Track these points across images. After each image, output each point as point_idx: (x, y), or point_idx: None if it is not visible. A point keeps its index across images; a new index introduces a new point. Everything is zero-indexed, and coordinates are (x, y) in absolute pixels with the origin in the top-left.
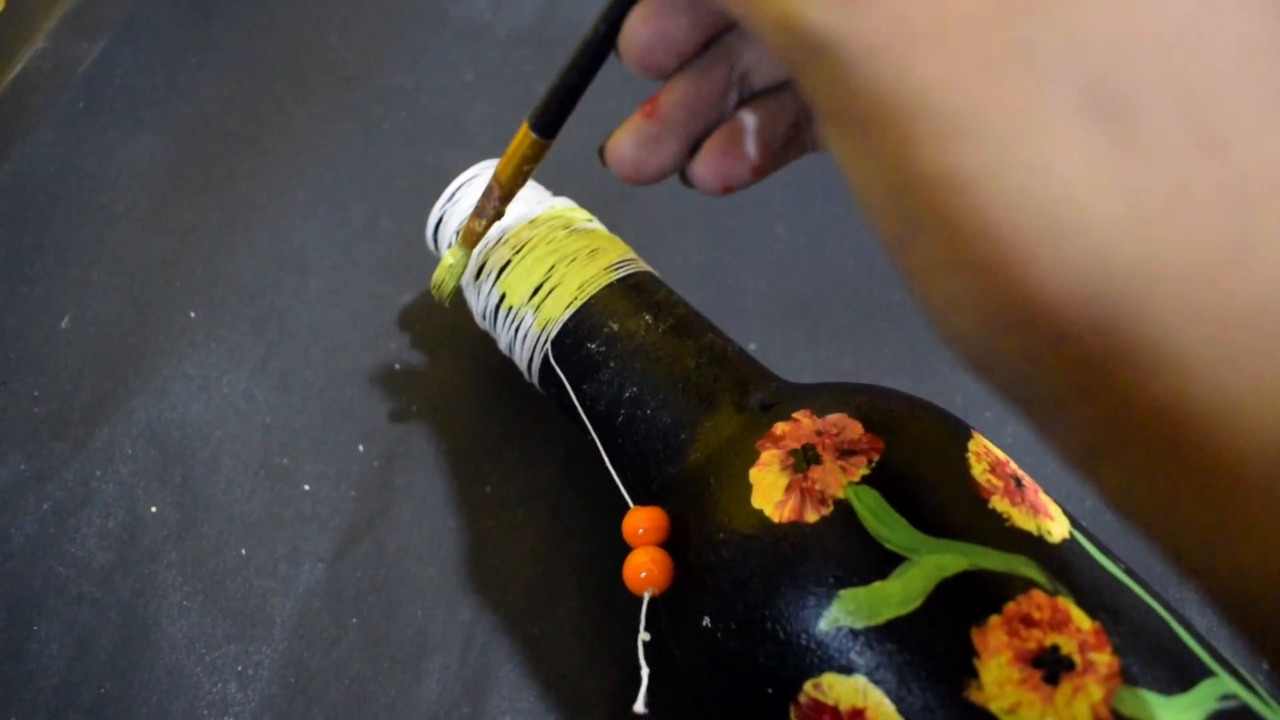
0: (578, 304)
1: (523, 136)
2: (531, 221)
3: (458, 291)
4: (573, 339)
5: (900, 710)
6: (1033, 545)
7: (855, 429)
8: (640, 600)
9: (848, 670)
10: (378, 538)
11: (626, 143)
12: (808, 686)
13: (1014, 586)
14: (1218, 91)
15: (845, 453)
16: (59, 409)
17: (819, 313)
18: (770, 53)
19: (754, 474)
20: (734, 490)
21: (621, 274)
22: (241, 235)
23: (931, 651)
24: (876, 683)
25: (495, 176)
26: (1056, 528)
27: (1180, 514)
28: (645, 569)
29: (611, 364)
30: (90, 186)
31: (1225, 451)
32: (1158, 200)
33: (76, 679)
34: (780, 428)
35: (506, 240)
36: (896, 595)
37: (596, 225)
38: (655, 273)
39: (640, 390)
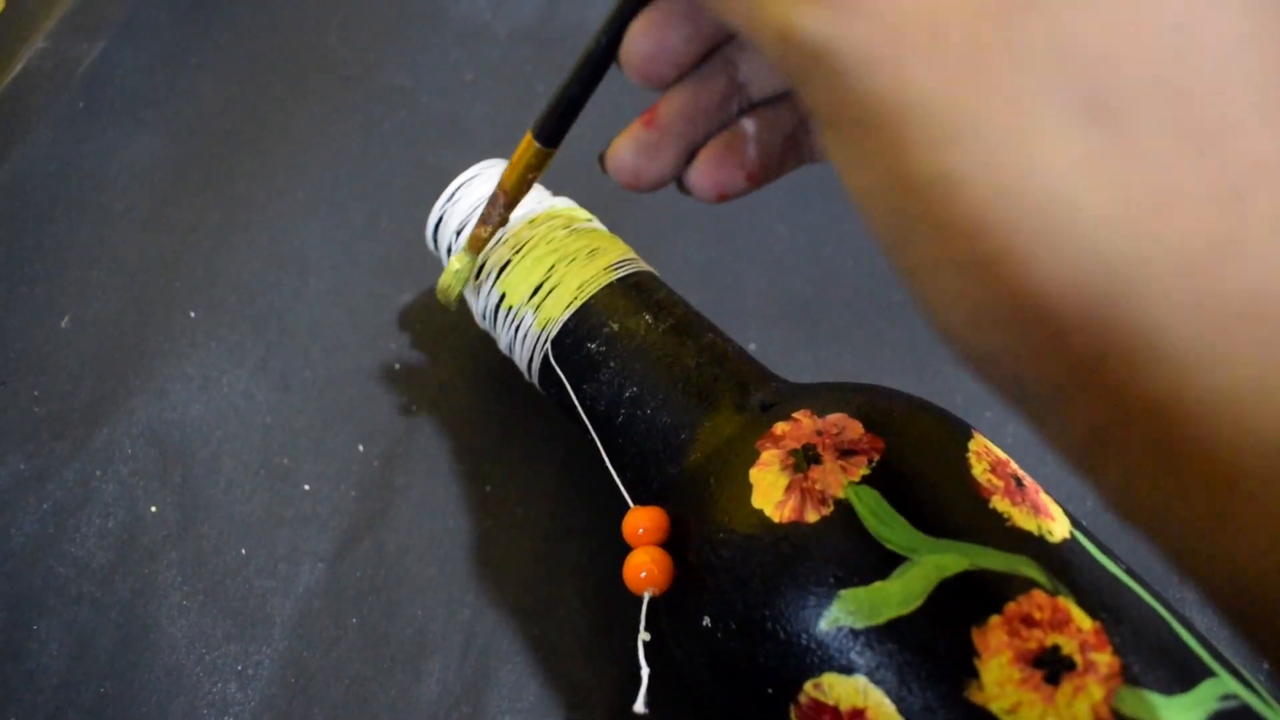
0: (578, 304)
1: (526, 145)
2: (531, 221)
3: (461, 295)
4: (573, 339)
5: (901, 710)
6: (1033, 545)
7: (855, 429)
8: (640, 600)
9: (848, 670)
10: (378, 537)
11: (626, 150)
12: (808, 686)
13: (1015, 586)
14: (1206, 90)
15: (845, 452)
16: (59, 409)
17: (819, 312)
18: (770, 63)
19: (754, 474)
20: (734, 490)
21: (621, 274)
22: (241, 235)
23: (932, 651)
24: (877, 683)
25: (500, 184)
26: (1057, 527)
27: (1178, 510)
28: (645, 569)
29: (611, 364)
30: (90, 186)
31: (1221, 446)
32: (1148, 198)
33: (76, 679)
34: (780, 427)
35: (506, 240)
36: (897, 595)
37: (596, 225)
38: (655, 272)
39: (640, 390)
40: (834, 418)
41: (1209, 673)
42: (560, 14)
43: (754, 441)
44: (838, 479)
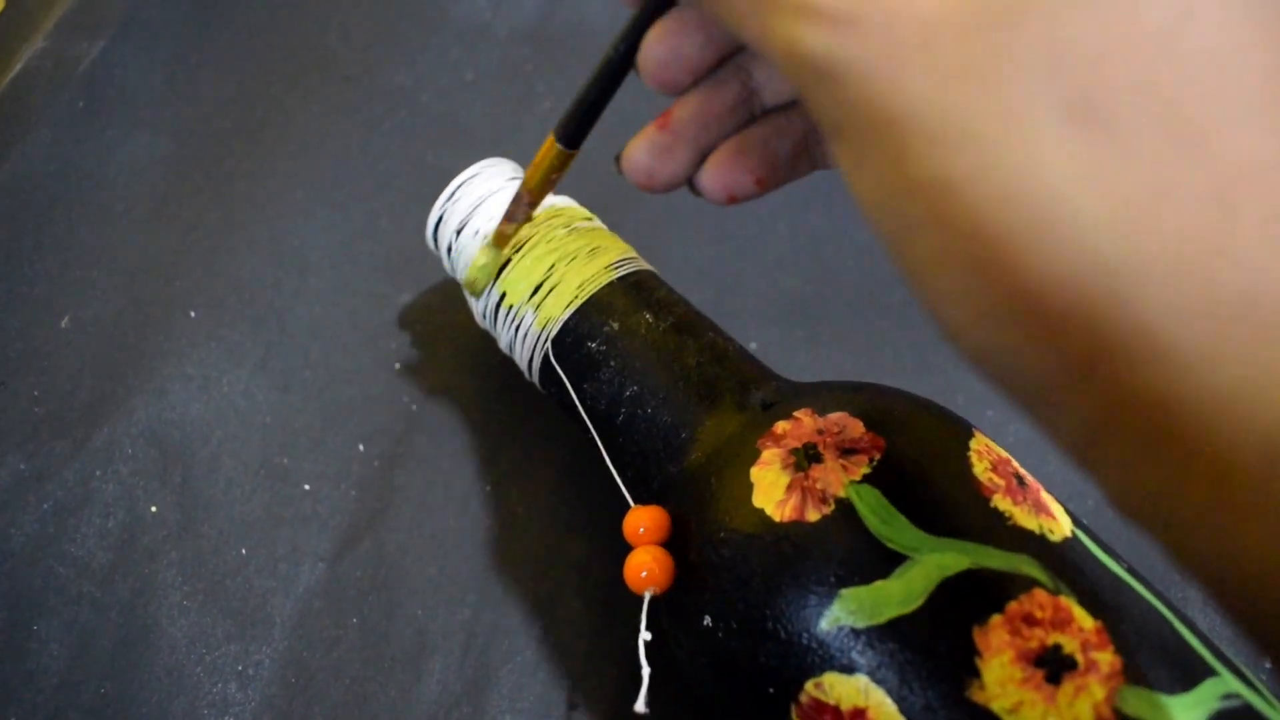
0: (578, 303)
1: (549, 147)
2: (531, 220)
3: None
4: (573, 338)
5: (902, 710)
6: (1035, 544)
7: (856, 427)
8: (641, 599)
9: (849, 670)
10: (378, 537)
11: (640, 152)
12: (809, 686)
13: (1016, 585)
14: (1195, 93)
15: (846, 451)
16: (59, 408)
17: (820, 312)
18: (779, 73)
19: (755, 473)
20: (735, 489)
21: (622, 273)
22: (241, 235)
23: (933, 651)
24: (878, 682)
25: (524, 184)
26: (1059, 526)
27: (1175, 506)
28: (646, 568)
29: (612, 363)
30: (90, 186)
31: (1216, 443)
32: (1139, 198)
33: (76, 679)
34: (781, 426)
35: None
36: (898, 594)
37: (597, 224)
38: (656, 271)
39: (641, 389)
40: (835, 416)
41: (1211, 672)
42: (560, 14)
43: (755, 440)
44: (839, 478)
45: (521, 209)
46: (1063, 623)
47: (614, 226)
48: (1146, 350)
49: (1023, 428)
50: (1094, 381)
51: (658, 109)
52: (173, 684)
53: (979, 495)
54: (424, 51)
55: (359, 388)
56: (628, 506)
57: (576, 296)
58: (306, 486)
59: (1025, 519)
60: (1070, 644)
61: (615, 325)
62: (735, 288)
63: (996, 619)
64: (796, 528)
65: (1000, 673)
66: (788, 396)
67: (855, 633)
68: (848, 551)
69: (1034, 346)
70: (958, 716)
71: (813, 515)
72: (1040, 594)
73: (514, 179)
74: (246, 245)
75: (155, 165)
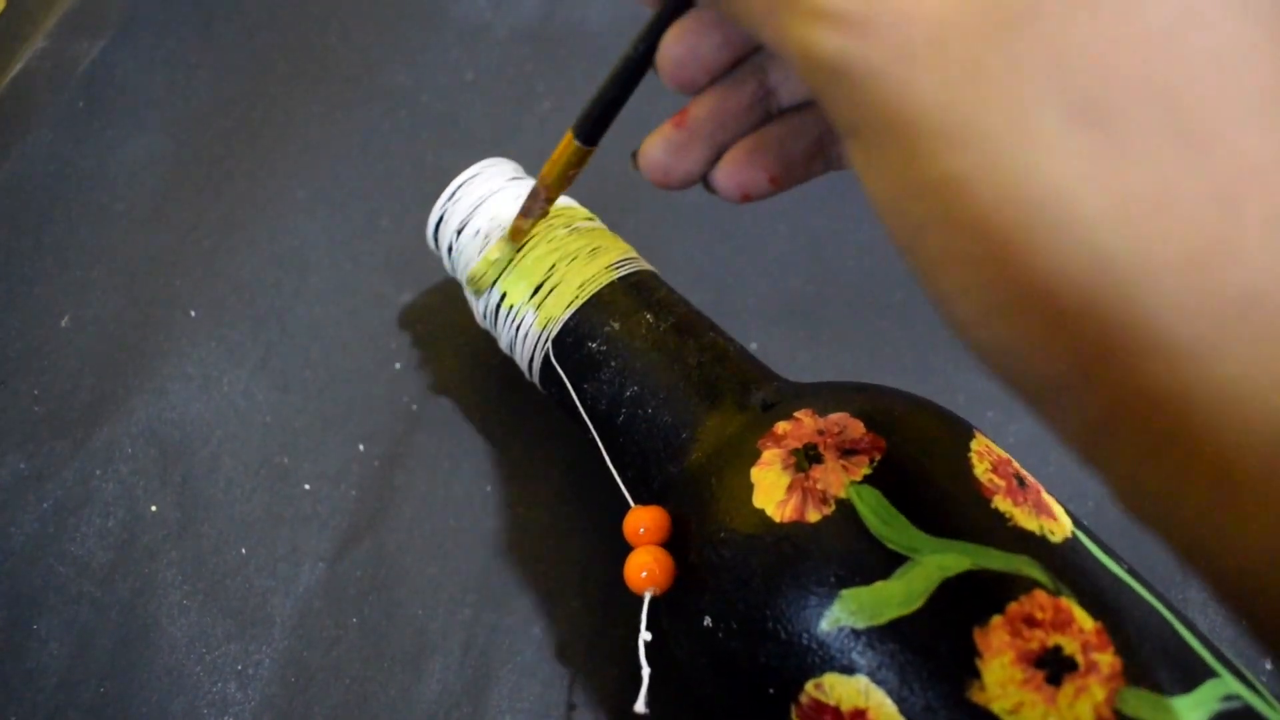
0: (579, 303)
1: (567, 143)
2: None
3: (492, 284)
4: (574, 338)
5: (902, 710)
6: (1035, 545)
7: (857, 428)
8: (641, 600)
9: (849, 670)
10: (378, 537)
11: (657, 149)
12: (809, 687)
13: (1016, 586)
14: (1199, 95)
15: (847, 452)
16: (59, 408)
17: (820, 312)
18: (795, 74)
19: (755, 473)
20: (735, 489)
21: (622, 273)
22: (241, 234)
23: (933, 652)
24: (878, 683)
25: (541, 179)
26: (1059, 527)
27: (1180, 503)
28: (646, 568)
29: (612, 363)
30: (90, 186)
31: (1220, 441)
32: (1143, 198)
33: (76, 678)
34: (782, 427)
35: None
36: (898, 595)
37: (597, 224)
38: (656, 272)
39: (641, 389)
40: (835, 417)
41: (1211, 673)
42: (560, 14)
43: (755, 441)
44: (839, 478)
45: (538, 204)
46: (1063, 624)
47: (614, 227)
48: (1150, 348)
49: (1023, 428)
50: (1098, 379)
51: (669, 109)
52: (172, 683)
53: (980, 496)
54: (424, 51)
55: (359, 387)
56: (628, 506)
57: (577, 296)
58: (307, 486)
59: (1026, 520)
60: (1071, 645)
61: (616, 325)
62: (736, 288)
63: (997, 620)
64: (797, 528)
65: (1001, 674)
66: (788, 397)
67: (855, 633)
68: (848, 552)
69: (1039, 343)
70: (958, 717)
71: (813, 516)
72: (1041, 595)
73: (514, 179)
74: (247, 245)
75: (155, 165)
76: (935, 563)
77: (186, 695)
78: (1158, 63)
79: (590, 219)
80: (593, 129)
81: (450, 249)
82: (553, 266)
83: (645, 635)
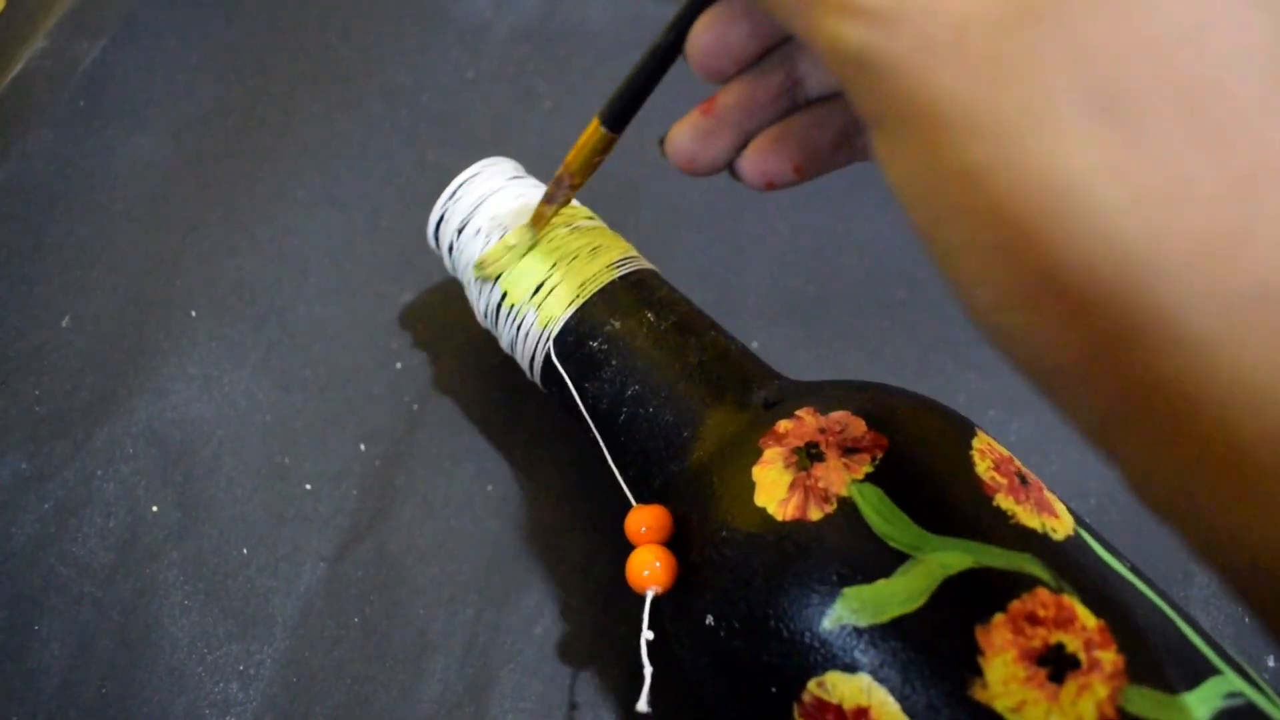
0: (579, 302)
1: (593, 130)
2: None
3: (502, 272)
4: (574, 337)
5: (904, 709)
6: (1037, 543)
7: (859, 426)
8: (643, 599)
9: (852, 669)
10: (379, 537)
11: (684, 136)
12: (811, 685)
13: (1019, 584)
14: (1217, 90)
15: (849, 450)
16: (60, 408)
17: (821, 311)
18: (823, 65)
19: (757, 472)
20: (737, 488)
21: (623, 272)
22: (242, 234)
23: (936, 650)
24: (881, 681)
25: (565, 166)
26: (1061, 525)
27: (1192, 494)
28: (648, 567)
29: (614, 362)
30: (90, 186)
31: (1234, 432)
32: (1160, 189)
33: (77, 679)
34: (783, 425)
35: (507, 239)
36: (901, 593)
37: (598, 223)
38: (657, 270)
39: (642, 388)
40: (837, 415)
41: (1214, 670)
42: (561, 13)
43: (757, 439)
44: (841, 477)
45: (562, 190)
46: (1066, 621)
47: (615, 226)
48: (1165, 338)
49: (1024, 427)
50: (1112, 368)
51: (680, 100)
52: (174, 684)
53: (981, 494)
54: (425, 51)
55: (360, 387)
56: (629, 505)
57: (578, 296)
58: (308, 486)
59: (1028, 518)
60: (1073, 643)
61: (617, 324)
62: (737, 287)
63: (999, 618)
64: (799, 527)
65: (1003, 671)
66: (790, 395)
67: (858, 631)
68: (850, 550)
69: (1055, 331)
70: (961, 715)
71: (815, 514)
72: (1043, 593)
73: (515, 178)
74: (247, 244)
75: (156, 165)
76: (937, 561)
77: (188, 695)
78: (1176, 58)
79: (591, 218)
80: (620, 116)
81: (451, 248)
82: (554, 265)
83: (647, 634)
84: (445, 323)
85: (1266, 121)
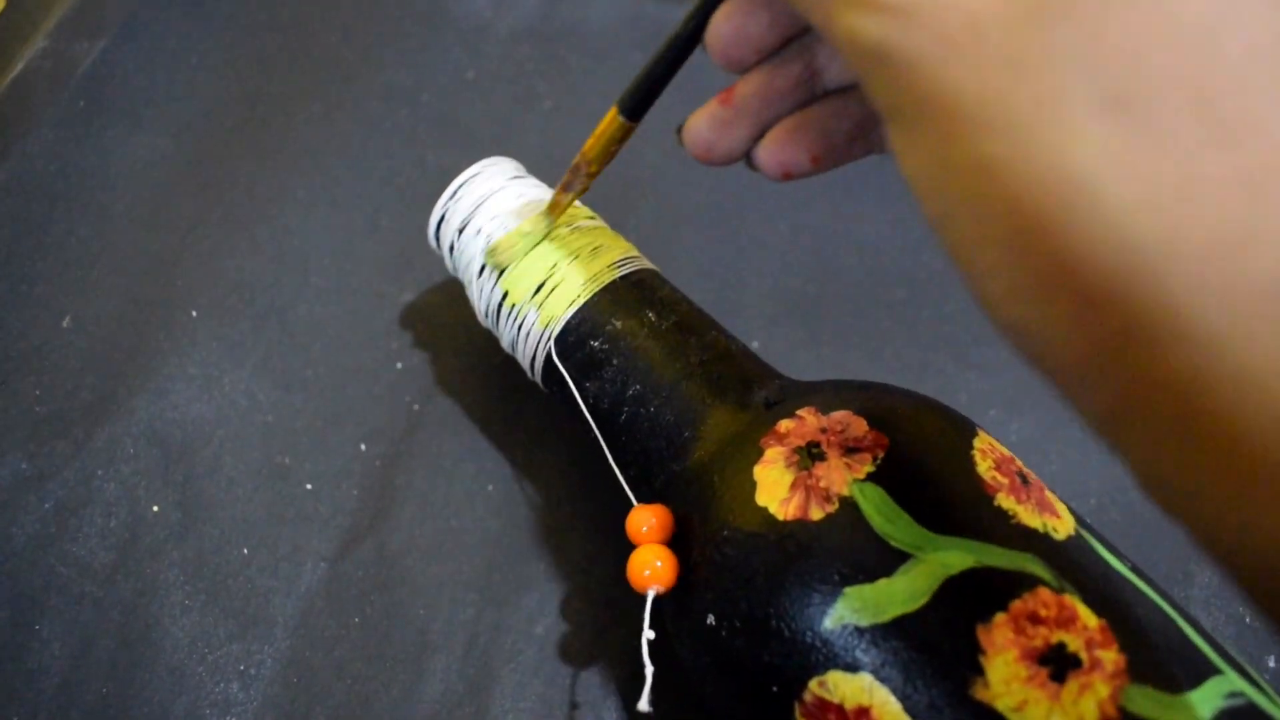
0: (580, 301)
1: (611, 119)
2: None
3: (517, 260)
4: (575, 337)
5: (906, 708)
6: (1039, 542)
7: (860, 426)
8: (644, 598)
9: (853, 668)
10: (380, 537)
11: (702, 125)
12: (813, 684)
13: (1020, 584)
14: (1230, 86)
15: (850, 450)
16: (60, 408)
17: (822, 311)
18: (841, 57)
19: (758, 471)
20: (738, 488)
21: (624, 271)
22: (242, 234)
23: (937, 649)
24: (882, 680)
25: (582, 155)
26: (1062, 525)
27: (1200, 490)
28: (649, 567)
29: (615, 361)
30: (91, 186)
31: (1242, 427)
32: (1171, 184)
33: (78, 679)
34: (785, 425)
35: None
36: (902, 593)
37: (599, 223)
38: (658, 270)
39: (643, 388)
40: (838, 415)
41: (1215, 670)
42: (561, 12)
43: (758, 439)
44: (842, 476)
45: (580, 178)
46: (1067, 621)
47: (616, 225)
48: (1174, 331)
49: (1025, 426)
50: (1121, 362)
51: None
52: (175, 684)
53: (983, 494)
54: (425, 51)
55: (361, 387)
56: (630, 505)
57: (579, 295)
58: (308, 486)
59: (1029, 517)
60: (1074, 642)
61: (618, 324)
62: (737, 287)
63: (1001, 617)
64: (800, 526)
65: (1005, 671)
66: (791, 395)
67: (859, 631)
68: (851, 550)
69: (1064, 325)
70: (962, 715)
71: (816, 514)
72: (1044, 592)
73: (516, 177)
74: (248, 244)
75: (156, 165)
76: (939, 560)
77: (189, 695)
78: (1190, 56)
79: (592, 218)
80: (638, 105)
81: (452, 248)
82: (555, 265)
83: (648, 634)
84: (446, 323)
85: (1276, 117)
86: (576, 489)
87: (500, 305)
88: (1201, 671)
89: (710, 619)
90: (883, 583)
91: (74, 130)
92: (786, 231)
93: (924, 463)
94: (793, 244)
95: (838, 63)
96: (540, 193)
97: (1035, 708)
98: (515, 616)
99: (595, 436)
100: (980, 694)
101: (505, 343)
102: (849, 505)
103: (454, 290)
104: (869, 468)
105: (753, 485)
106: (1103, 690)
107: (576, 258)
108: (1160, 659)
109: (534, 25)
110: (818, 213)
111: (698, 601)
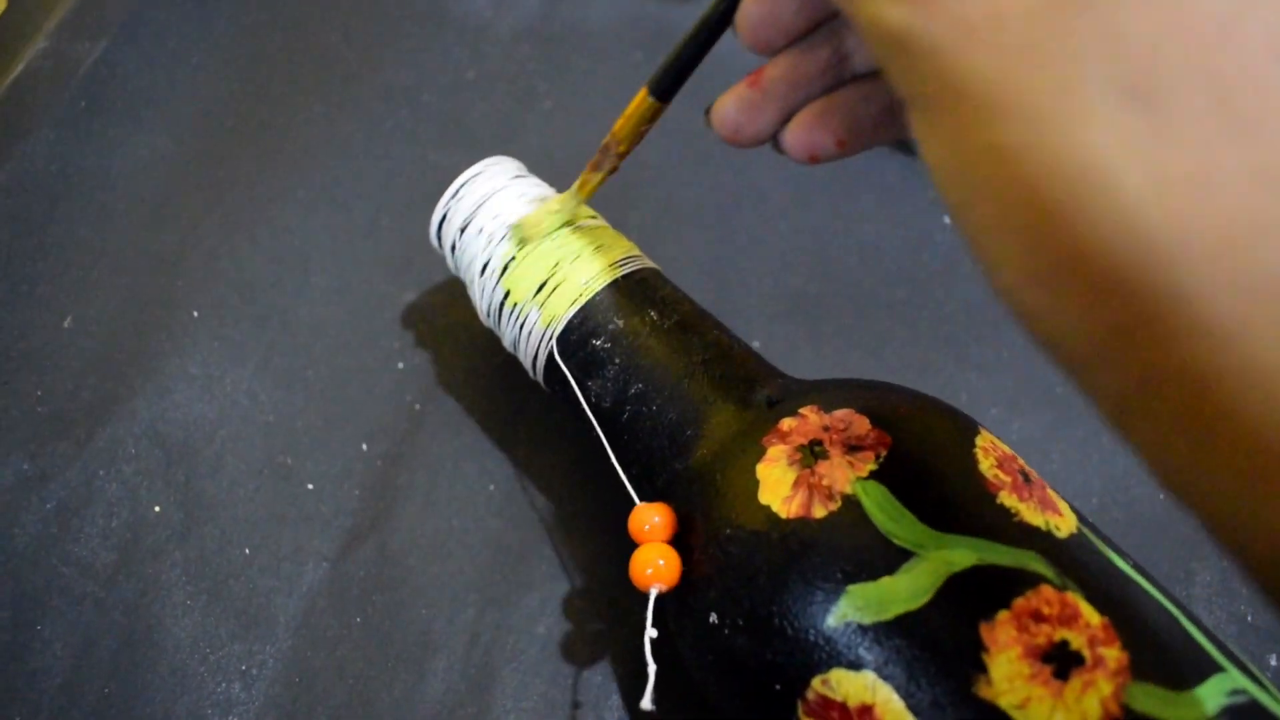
0: (582, 301)
1: (641, 100)
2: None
3: (541, 239)
4: (577, 336)
5: (909, 706)
6: (1041, 540)
7: (862, 424)
8: (646, 597)
9: (856, 666)
10: (381, 537)
11: (730, 107)
12: (815, 683)
13: (1023, 581)
14: (1247, 80)
15: (852, 448)
16: (62, 408)
17: (823, 310)
18: (864, 42)
19: (761, 470)
20: (741, 486)
21: (626, 271)
22: (243, 234)
23: (940, 647)
24: (885, 678)
25: (613, 134)
26: (1065, 523)
27: (1209, 479)
28: (651, 565)
29: (617, 360)
30: (92, 186)
31: (1250, 419)
32: (1185, 176)
33: (80, 679)
34: (787, 423)
35: (511, 237)
36: (905, 591)
37: (601, 222)
38: (660, 269)
39: (646, 387)
40: (841, 413)
41: (1217, 668)
42: (561, 12)
43: (760, 437)
44: (845, 474)
45: (609, 158)
46: (1070, 619)
47: (617, 225)
48: (1184, 325)
49: (1026, 425)
50: (1132, 351)
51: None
52: (176, 684)
53: (985, 492)
54: (425, 51)
55: (362, 387)
56: (633, 504)
57: (581, 294)
58: (310, 486)
59: (1031, 515)
60: (1077, 640)
61: (620, 323)
62: (738, 286)
63: (1004, 615)
64: (803, 524)
65: (1008, 668)
66: (793, 394)
67: (862, 629)
68: (854, 548)
69: (1076, 313)
70: (965, 712)
71: (819, 512)
72: (1047, 590)
73: (517, 177)
74: (249, 244)
75: (157, 165)
76: (941, 558)
77: (190, 696)
78: (1208, 48)
79: (594, 217)
80: (668, 86)
81: (453, 248)
82: (556, 264)
83: (651, 632)
84: (447, 322)
85: None
86: (578, 488)
87: (502, 304)
88: (1204, 669)
89: (713, 617)
90: (885, 581)
91: (75, 130)
92: (787, 231)
93: (926, 461)
94: (793, 243)
95: (865, 47)
96: (542, 191)
97: (1038, 705)
98: (517, 616)
99: (597, 435)
100: (983, 692)
101: (507, 342)
102: (852, 503)
103: (455, 290)
104: (871, 466)
105: (755, 483)
106: (1105, 688)
107: (578, 257)
108: (1163, 656)
109: (534, 25)
110: (818, 212)
111: (700, 600)
